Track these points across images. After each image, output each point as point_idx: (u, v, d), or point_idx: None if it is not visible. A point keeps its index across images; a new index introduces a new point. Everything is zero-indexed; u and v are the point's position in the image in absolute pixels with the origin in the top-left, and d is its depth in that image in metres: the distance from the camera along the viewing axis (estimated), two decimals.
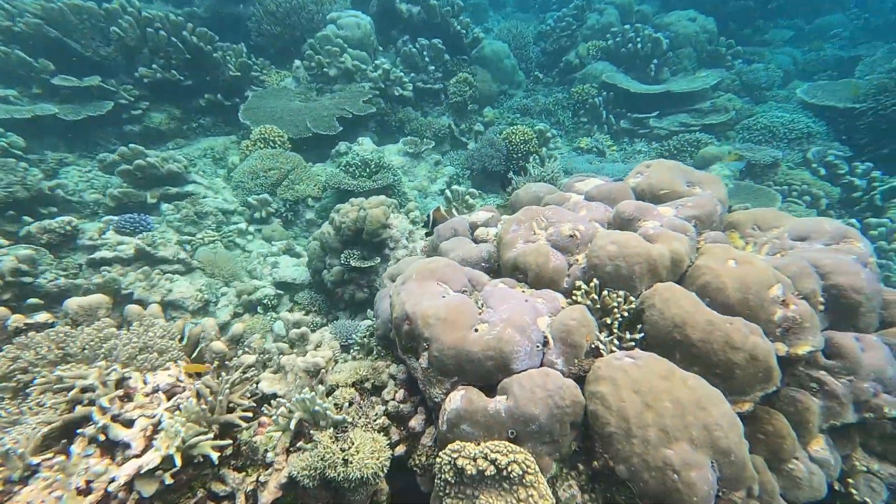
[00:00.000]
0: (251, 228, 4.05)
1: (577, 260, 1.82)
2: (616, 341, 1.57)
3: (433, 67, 6.12)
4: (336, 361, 1.85)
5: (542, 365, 1.55)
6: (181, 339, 1.60)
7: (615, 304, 1.61)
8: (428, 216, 2.55)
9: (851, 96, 4.50)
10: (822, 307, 1.62)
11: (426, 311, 1.61)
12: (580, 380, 1.51)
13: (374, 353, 2.03)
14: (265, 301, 3.22)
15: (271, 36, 5.48)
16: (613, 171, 5.18)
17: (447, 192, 4.62)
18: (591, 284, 1.67)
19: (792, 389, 1.53)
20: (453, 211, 2.74)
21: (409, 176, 5.04)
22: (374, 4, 5.99)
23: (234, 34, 5.83)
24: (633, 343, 1.55)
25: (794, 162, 4.85)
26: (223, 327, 2.83)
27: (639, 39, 6.41)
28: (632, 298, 1.63)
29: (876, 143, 5.06)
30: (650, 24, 7.21)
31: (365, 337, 2.00)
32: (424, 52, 6.00)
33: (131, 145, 3.61)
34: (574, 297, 1.69)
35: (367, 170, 4.46)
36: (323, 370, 1.65)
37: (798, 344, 1.47)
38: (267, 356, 1.85)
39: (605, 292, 1.65)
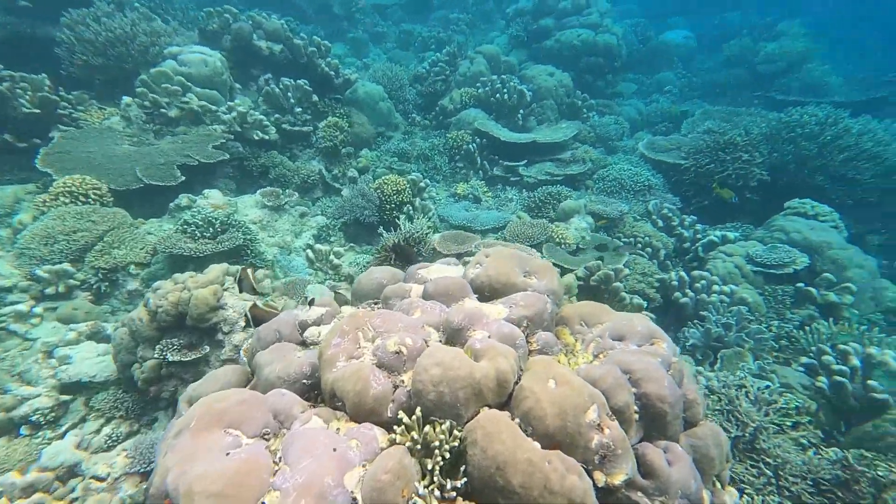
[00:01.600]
0: (39, 308, 3.21)
1: (404, 381, 1.64)
2: (437, 491, 1.39)
3: (300, 109, 5.77)
4: None
5: None
6: None
7: (439, 440, 1.45)
8: (246, 315, 2.18)
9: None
10: (637, 416, 1.65)
11: (193, 486, 1.26)
12: None
13: None
14: (36, 417, 2.49)
15: (91, 67, 4.62)
16: (487, 220, 5.32)
17: (308, 252, 4.26)
18: (414, 417, 1.49)
19: None
20: (266, 298, 2.42)
21: (269, 231, 4.56)
22: (227, 41, 5.47)
23: (46, 60, 4.83)
24: (454, 493, 1.39)
25: (638, 213, 5.47)
26: None
27: (505, 90, 6.85)
28: (457, 432, 1.48)
29: (699, 196, 5.99)
30: (517, 75, 7.79)
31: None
32: (289, 93, 5.63)
33: None
34: (394, 435, 1.49)
35: (212, 229, 3.90)
36: None
37: (614, 472, 1.44)
38: None
39: (427, 427, 1.47)
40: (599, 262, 3.94)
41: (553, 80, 7.31)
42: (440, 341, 1.83)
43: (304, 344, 2.02)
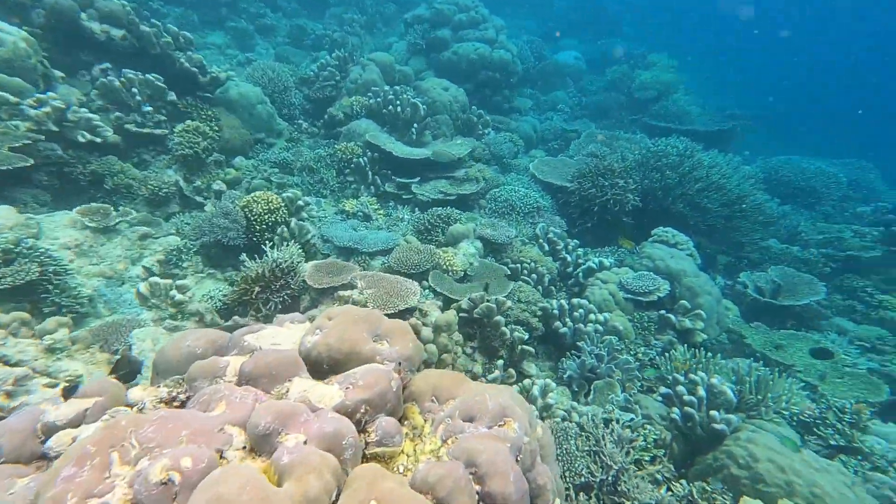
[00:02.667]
0: None
1: None
2: None
3: (151, 108, 4.87)
4: None
5: None
6: None
7: None
8: None
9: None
10: None
11: None
12: None
13: None
14: None
15: None
16: (376, 241, 4.97)
17: (141, 286, 3.53)
18: None
19: None
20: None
21: (91, 258, 3.70)
22: (39, 16, 4.39)
23: None
24: None
25: (527, 236, 5.54)
26: None
27: (398, 103, 6.59)
28: None
29: (583, 218, 6.30)
30: (412, 86, 7.59)
31: None
32: (134, 88, 4.71)
33: None
34: None
35: None
36: None
37: None
38: None
39: None
40: (483, 293, 3.82)
41: (448, 94, 7.23)
42: (244, 448, 1.44)
43: (45, 459, 1.47)
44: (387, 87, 6.86)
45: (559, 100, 13.49)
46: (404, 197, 6.08)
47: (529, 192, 6.28)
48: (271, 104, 6.58)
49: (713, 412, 3.17)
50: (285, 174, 5.97)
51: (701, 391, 3.32)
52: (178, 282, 3.61)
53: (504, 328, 3.65)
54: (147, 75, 4.86)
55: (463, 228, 4.81)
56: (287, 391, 1.66)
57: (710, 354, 3.97)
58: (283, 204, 4.63)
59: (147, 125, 4.90)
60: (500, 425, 1.67)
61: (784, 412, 3.43)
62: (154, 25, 5.06)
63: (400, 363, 1.81)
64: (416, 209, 5.96)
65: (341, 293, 3.42)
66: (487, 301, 3.75)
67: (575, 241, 5.57)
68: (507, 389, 1.92)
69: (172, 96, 5.09)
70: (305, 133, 6.98)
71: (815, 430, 3.41)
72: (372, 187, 6.18)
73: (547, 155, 10.62)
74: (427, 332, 3.17)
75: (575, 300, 4.31)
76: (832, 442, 3.26)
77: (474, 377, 3.58)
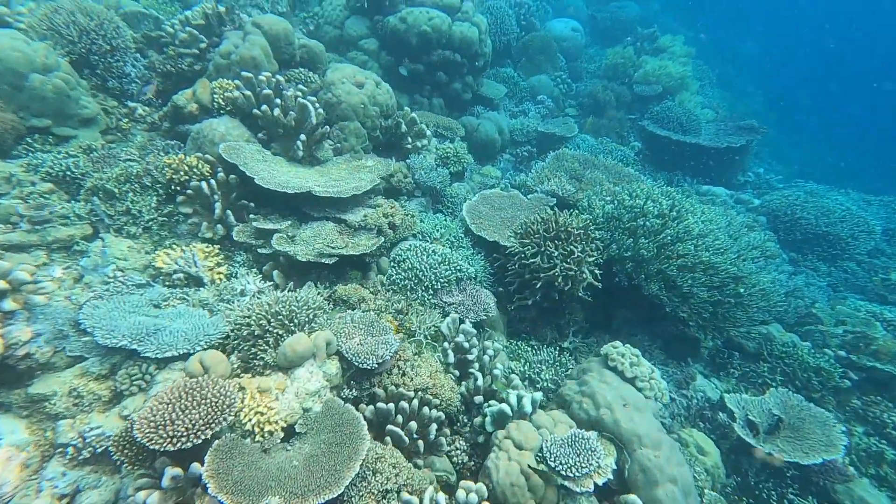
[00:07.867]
0: None
1: None
2: None
3: None
4: None
5: None
6: None
7: None
8: None
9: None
10: None
11: None
12: None
13: None
14: None
15: None
16: (175, 337, 3.42)
17: None
18: None
19: None
20: None
21: None
22: None
23: None
24: None
25: (431, 332, 4.00)
26: None
27: (277, 101, 4.77)
28: None
29: (521, 292, 4.80)
30: (319, 73, 5.74)
31: None
32: None
33: None
34: None
35: None
36: None
37: None
38: None
39: None
40: None
41: (360, 94, 5.38)
42: None
43: None
44: (265, 74, 4.99)
45: (541, 87, 11.65)
46: (262, 253, 4.38)
47: (451, 254, 4.68)
48: (73, 72, 4.63)
49: None
50: (63, 198, 4.18)
51: None
52: None
53: None
54: None
55: (304, 346, 3.20)
56: None
57: None
58: None
59: None
60: None
61: None
62: None
63: None
64: (275, 273, 4.31)
65: None
66: None
67: (497, 345, 4.04)
68: None
69: None
70: (140, 122, 5.12)
71: None
72: (220, 226, 4.47)
73: (514, 165, 9.00)
74: None
75: (461, 495, 2.84)
76: None
77: None
